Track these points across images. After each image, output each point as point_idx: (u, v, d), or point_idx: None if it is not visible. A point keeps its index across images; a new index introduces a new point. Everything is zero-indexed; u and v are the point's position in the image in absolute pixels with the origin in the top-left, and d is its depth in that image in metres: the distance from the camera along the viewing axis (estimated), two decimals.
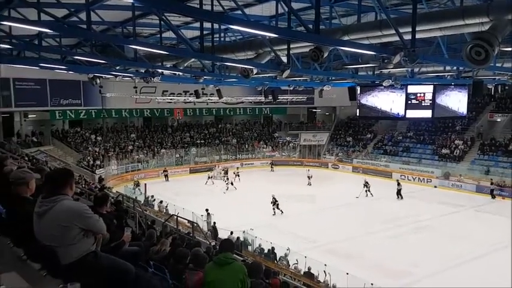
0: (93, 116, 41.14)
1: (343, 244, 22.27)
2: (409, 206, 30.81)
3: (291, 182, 38.88)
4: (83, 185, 24.58)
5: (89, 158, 37.38)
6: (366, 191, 33.42)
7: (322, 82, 25.73)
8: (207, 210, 24.07)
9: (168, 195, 31.16)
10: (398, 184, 33.90)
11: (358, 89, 23.63)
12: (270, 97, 28.30)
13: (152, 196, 28.88)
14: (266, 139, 51.80)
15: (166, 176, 39.72)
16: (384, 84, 20.76)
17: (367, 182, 34.05)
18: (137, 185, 34.18)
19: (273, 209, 28.32)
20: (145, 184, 32.77)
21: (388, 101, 21.72)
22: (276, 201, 28.43)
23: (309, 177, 38.20)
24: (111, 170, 37.23)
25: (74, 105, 38.07)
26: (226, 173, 38.98)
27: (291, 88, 27.12)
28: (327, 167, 47.34)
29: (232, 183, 35.77)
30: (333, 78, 24.21)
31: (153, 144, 44.51)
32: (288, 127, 54.15)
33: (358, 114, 23.90)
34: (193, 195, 32.82)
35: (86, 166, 35.90)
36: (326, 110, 55.39)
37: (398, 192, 33.36)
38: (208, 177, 38.09)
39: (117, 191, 26.78)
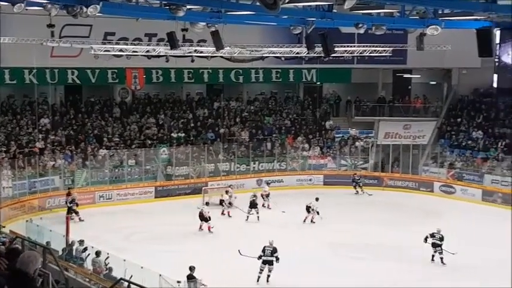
0: None
1: None
2: None
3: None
4: None
5: None
6: None
7: (424, 19, 18.49)
8: (191, 270, 17.30)
9: (112, 240, 23.89)
10: None
11: (498, 33, 21.09)
12: (319, 49, 21.02)
13: (81, 242, 20.78)
14: (309, 132, 35.20)
15: (71, 208, 25.05)
16: None
17: None
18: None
19: None
20: (66, 218, 23.85)
21: None
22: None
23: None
24: (1, 190, 27.99)
25: None
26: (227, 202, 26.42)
27: (361, 31, 19.29)
28: (431, 191, 31.33)
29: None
30: (447, 10, 18.63)
31: (83, 139, 32.07)
32: (353, 109, 36.89)
33: (496, 84, 21.43)
34: (163, 240, 23.87)
35: None
36: (431, 77, 38.32)
37: None
38: (203, 206, 25.76)
39: (11, 231, 21.43)
